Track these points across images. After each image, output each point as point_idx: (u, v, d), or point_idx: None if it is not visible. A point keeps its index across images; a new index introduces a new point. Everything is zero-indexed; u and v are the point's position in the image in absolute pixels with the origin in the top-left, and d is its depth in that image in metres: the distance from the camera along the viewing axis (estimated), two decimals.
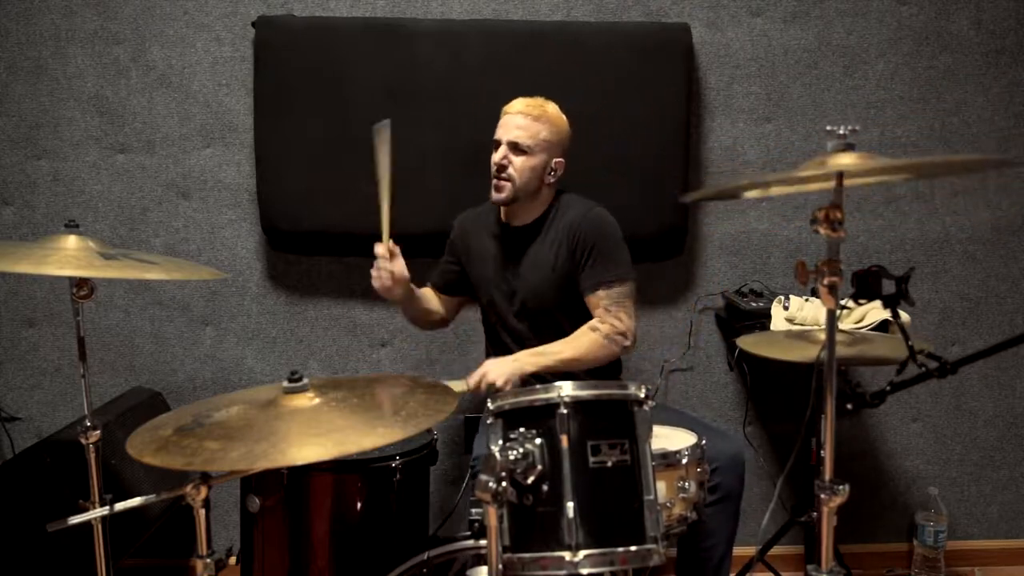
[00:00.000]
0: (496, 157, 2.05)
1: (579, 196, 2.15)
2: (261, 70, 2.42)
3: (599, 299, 2.02)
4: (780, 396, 2.60)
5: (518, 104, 2.06)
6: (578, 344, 1.99)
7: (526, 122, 2.03)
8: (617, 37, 2.42)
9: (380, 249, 1.98)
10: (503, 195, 2.06)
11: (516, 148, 2.03)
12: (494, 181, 2.06)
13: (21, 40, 2.47)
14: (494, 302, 2.15)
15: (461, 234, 2.24)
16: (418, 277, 2.46)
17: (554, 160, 2.07)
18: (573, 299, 2.07)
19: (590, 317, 2.07)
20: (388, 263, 1.99)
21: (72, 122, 2.50)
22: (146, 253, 1.63)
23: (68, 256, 1.43)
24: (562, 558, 1.31)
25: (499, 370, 1.92)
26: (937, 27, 2.54)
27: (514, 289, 2.12)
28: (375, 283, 2.02)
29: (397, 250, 2.00)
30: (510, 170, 2.03)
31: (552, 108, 2.07)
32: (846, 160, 1.23)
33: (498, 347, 2.18)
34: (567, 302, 2.08)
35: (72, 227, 1.47)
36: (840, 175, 1.21)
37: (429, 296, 2.26)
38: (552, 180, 2.09)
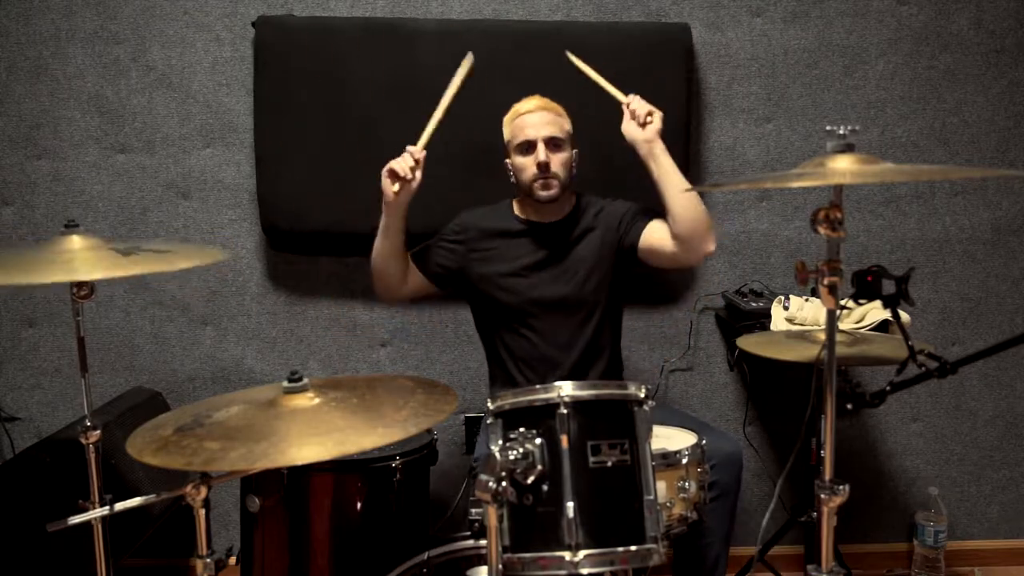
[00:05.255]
0: (540, 157, 2.03)
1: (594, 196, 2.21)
2: (261, 70, 2.42)
3: (659, 220, 2.07)
4: (780, 396, 2.61)
5: (535, 101, 2.07)
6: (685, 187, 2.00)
7: (552, 116, 2.06)
8: (617, 37, 2.42)
9: (414, 149, 1.98)
10: (552, 192, 2.06)
11: (552, 144, 2.04)
12: (540, 181, 2.05)
13: (21, 40, 2.47)
14: (523, 301, 2.10)
15: (473, 233, 2.17)
16: None
17: (574, 152, 2.10)
18: (616, 294, 2.14)
19: (619, 322, 2.19)
20: (412, 162, 1.97)
21: (72, 122, 2.50)
22: (155, 242, 1.60)
23: (85, 257, 1.42)
24: (562, 558, 1.31)
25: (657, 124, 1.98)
26: (937, 27, 2.54)
27: (559, 283, 2.09)
28: (395, 163, 1.97)
29: (423, 161, 1.99)
30: (553, 167, 2.04)
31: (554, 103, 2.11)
32: (842, 165, 1.23)
33: (513, 347, 2.13)
34: (612, 297, 2.13)
35: (72, 227, 1.47)
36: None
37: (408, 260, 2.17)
38: (575, 172, 2.11)
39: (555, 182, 2.05)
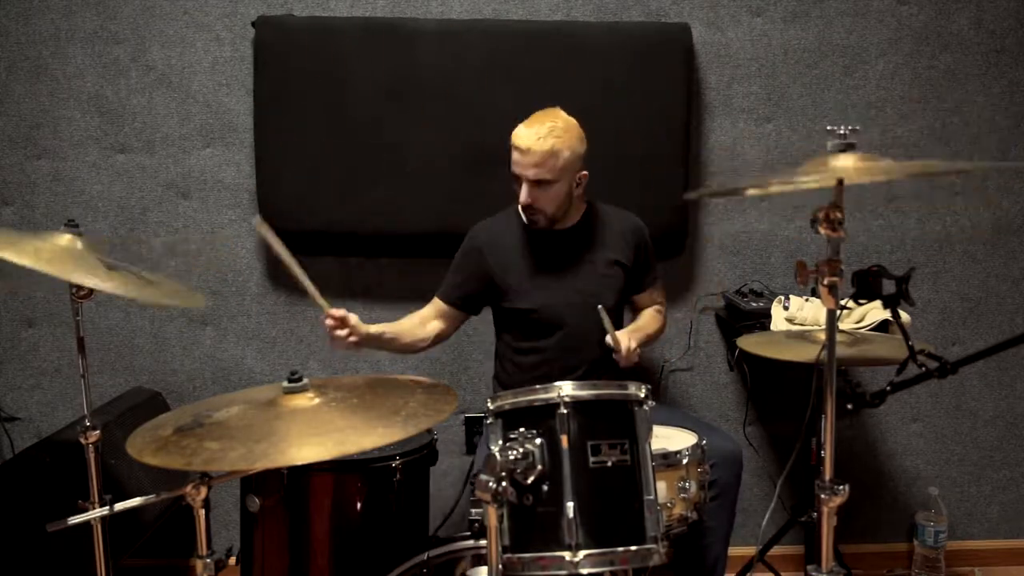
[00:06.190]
0: (522, 198, 2.01)
1: (606, 204, 2.21)
2: (261, 70, 2.41)
3: (655, 291, 2.27)
4: (780, 396, 2.61)
5: (527, 138, 1.96)
6: (654, 322, 2.24)
7: (541, 158, 1.96)
8: (617, 37, 2.42)
9: (330, 321, 1.87)
10: (540, 226, 2.08)
11: (539, 184, 2.00)
12: (525, 215, 2.08)
13: (21, 40, 2.47)
14: (535, 308, 2.10)
15: (486, 246, 2.15)
16: (419, 278, 2.46)
17: (578, 175, 2.06)
18: (622, 301, 2.20)
19: (622, 325, 2.21)
20: (342, 330, 1.88)
21: (72, 122, 2.50)
22: (145, 269, 1.59)
23: (71, 258, 1.42)
24: (562, 558, 1.31)
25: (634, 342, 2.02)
26: (937, 27, 2.54)
27: (563, 292, 2.09)
28: (334, 345, 1.91)
29: (342, 312, 1.88)
30: (538, 204, 2.03)
31: (560, 127, 1.99)
32: (846, 163, 1.23)
33: (525, 352, 2.13)
34: (619, 303, 2.17)
35: (72, 226, 1.47)
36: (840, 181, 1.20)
37: (414, 324, 2.14)
38: (580, 191, 2.10)
39: (540, 217, 2.06)
